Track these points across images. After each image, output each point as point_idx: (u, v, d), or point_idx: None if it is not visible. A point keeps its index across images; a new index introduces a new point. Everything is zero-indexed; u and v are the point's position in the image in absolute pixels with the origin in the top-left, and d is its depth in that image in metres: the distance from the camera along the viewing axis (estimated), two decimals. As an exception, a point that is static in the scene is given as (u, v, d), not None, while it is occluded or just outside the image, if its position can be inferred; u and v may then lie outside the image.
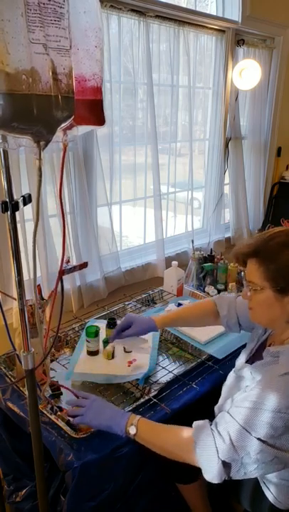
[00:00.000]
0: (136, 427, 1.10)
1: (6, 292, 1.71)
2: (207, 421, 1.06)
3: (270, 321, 1.12)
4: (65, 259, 1.00)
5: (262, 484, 1.17)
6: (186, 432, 1.07)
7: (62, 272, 1.01)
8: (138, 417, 1.13)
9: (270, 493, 1.15)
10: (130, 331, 1.39)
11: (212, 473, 1.00)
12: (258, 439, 0.94)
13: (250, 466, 0.97)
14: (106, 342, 1.48)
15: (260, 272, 1.06)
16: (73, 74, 0.77)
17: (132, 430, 1.10)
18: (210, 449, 0.99)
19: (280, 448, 0.94)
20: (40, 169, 0.77)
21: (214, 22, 2.32)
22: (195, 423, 1.07)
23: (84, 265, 1.13)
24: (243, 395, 1.03)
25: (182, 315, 1.47)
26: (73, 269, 1.06)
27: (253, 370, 1.13)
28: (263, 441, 0.94)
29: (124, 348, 1.53)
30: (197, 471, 1.34)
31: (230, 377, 1.27)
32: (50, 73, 0.70)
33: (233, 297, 1.42)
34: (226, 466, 0.98)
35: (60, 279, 1.01)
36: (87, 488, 1.14)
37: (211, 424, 1.04)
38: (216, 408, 1.26)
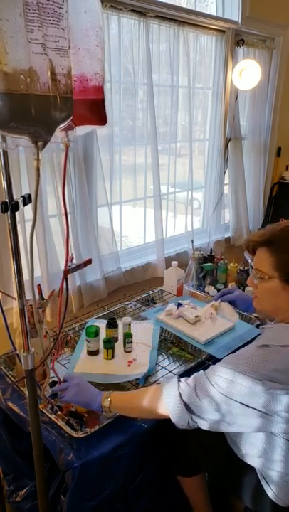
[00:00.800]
0: (109, 399, 1.17)
1: (6, 292, 1.71)
2: (176, 376, 1.16)
3: (274, 310, 1.17)
4: (69, 256, 1.00)
5: (262, 481, 1.18)
6: (155, 386, 1.19)
7: (67, 272, 1.01)
8: (111, 391, 1.21)
9: (271, 490, 1.16)
10: (232, 295, 1.63)
11: (176, 416, 1.07)
12: (220, 392, 1.02)
13: (212, 414, 1.03)
14: (106, 342, 1.48)
15: (270, 262, 1.10)
16: (74, 74, 0.77)
17: (106, 403, 1.17)
18: (174, 391, 1.09)
19: (239, 402, 0.99)
20: (38, 169, 0.77)
21: (214, 22, 2.33)
22: (163, 378, 1.17)
23: (88, 262, 1.14)
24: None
25: None
26: (78, 267, 1.07)
27: None
28: (223, 394, 1.01)
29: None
30: (198, 464, 1.35)
31: None
32: (49, 73, 0.70)
33: None
34: (189, 410, 1.06)
35: (65, 278, 1.01)
36: (87, 487, 1.14)
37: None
38: None
